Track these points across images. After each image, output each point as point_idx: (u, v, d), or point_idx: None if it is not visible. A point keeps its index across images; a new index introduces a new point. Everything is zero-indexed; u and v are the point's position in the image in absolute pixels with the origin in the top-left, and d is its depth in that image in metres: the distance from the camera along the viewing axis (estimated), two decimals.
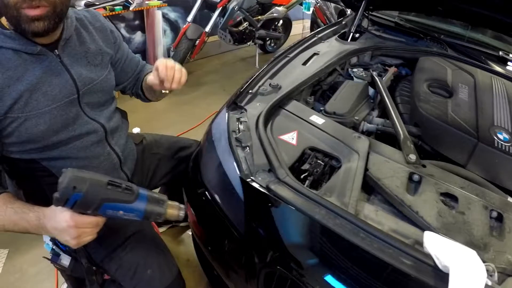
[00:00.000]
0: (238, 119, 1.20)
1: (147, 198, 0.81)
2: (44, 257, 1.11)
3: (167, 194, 1.66)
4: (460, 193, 0.96)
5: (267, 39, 3.90)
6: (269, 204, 0.91)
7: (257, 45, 3.97)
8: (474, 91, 1.39)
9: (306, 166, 1.03)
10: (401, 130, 1.15)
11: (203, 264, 1.40)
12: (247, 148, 1.07)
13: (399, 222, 0.89)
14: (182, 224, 1.91)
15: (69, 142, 0.98)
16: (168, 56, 3.51)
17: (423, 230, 0.86)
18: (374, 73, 1.50)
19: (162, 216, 0.83)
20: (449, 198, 0.96)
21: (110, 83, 1.11)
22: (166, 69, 1.00)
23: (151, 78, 1.09)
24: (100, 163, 1.08)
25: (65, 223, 0.75)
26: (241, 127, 1.16)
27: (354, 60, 1.67)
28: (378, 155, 1.06)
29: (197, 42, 3.34)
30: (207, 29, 3.32)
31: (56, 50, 0.92)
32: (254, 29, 3.72)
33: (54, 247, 1.08)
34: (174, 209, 0.85)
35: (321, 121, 1.18)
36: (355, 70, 1.55)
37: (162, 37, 3.51)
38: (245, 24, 3.67)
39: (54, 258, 1.05)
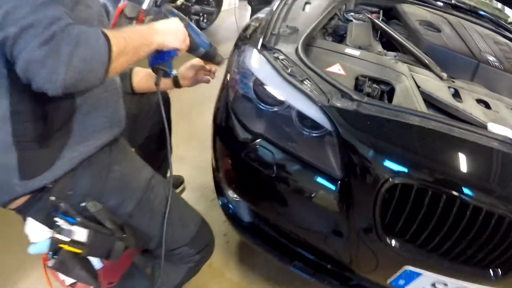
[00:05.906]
0: (276, 58, 1.19)
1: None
2: (52, 237, 0.79)
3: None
4: (487, 99, 1.16)
5: (201, 14, 3.92)
6: (366, 125, 0.95)
7: (193, 21, 3.86)
8: (454, 28, 1.62)
9: (368, 90, 1.10)
10: (423, 56, 1.31)
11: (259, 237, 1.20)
12: (306, 80, 1.09)
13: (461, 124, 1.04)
14: (176, 190, 1.74)
15: None
16: None
17: (480, 127, 1.03)
18: (369, 16, 1.63)
19: (214, 51, 1.03)
20: (482, 103, 1.15)
21: None
22: None
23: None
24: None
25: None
26: (285, 63, 1.17)
27: (342, 7, 1.78)
28: (419, 75, 1.19)
29: (135, 21, 3.05)
30: (145, 6, 3.05)
31: None
32: (190, 4, 3.59)
33: (61, 222, 0.80)
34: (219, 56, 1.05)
35: (358, 53, 1.26)
36: (351, 14, 1.66)
37: None
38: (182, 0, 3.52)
39: (66, 233, 0.79)
